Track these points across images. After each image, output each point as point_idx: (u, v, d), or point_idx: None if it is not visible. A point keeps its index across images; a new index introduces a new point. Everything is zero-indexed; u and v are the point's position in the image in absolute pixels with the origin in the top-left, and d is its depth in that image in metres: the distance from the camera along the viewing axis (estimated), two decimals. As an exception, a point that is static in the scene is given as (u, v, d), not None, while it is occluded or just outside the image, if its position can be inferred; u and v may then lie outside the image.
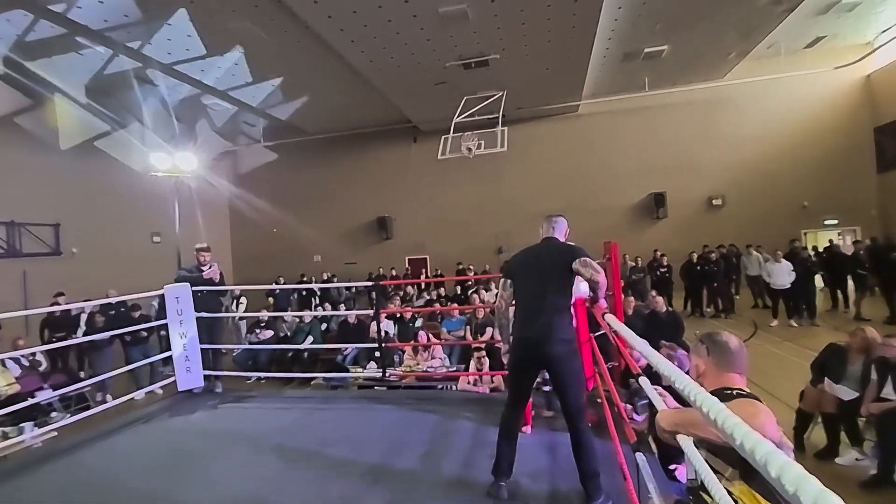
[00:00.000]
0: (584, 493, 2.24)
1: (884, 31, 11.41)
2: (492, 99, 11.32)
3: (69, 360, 7.66)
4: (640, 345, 1.84)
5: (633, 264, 10.89)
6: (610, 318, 2.62)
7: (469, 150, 10.24)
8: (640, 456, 1.96)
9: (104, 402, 5.10)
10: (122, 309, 7.21)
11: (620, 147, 14.08)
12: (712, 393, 1.17)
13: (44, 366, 6.54)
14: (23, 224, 10.22)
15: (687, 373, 2.30)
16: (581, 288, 2.84)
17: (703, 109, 13.48)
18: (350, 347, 6.12)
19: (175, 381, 4.39)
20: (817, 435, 3.96)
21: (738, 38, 10.62)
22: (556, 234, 2.71)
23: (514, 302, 2.62)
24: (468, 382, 4.58)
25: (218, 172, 15.60)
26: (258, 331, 7.32)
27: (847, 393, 3.63)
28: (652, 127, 13.88)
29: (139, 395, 4.78)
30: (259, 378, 6.61)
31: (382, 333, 4.96)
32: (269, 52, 9.70)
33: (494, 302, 2.80)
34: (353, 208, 15.76)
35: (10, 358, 5.91)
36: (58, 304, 7.67)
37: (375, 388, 5.04)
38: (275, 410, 4.13)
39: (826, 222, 12.74)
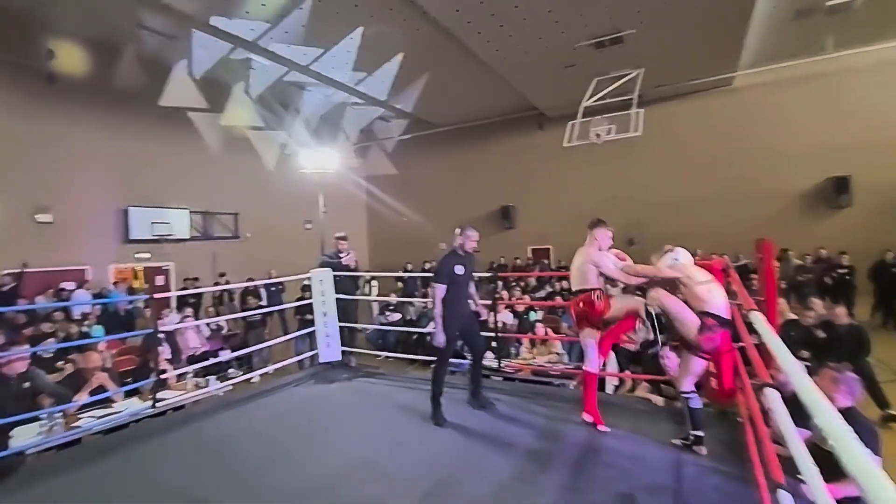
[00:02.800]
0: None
1: None
2: (627, 78, 10.41)
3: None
4: (785, 359, 1.56)
5: (800, 262, 9.20)
6: (759, 321, 2.28)
7: (598, 136, 9.63)
8: (782, 494, 1.68)
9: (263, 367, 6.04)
10: (281, 287, 8.44)
11: (789, 123, 11.89)
12: None
13: (225, 330, 8.00)
14: (213, 213, 12.55)
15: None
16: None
17: (912, 70, 10.66)
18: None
19: (317, 354, 5.04)
20: None
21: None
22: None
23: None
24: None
25: (357, 165, 17.18)
26: (388, 313, 7.96)
27: None
28: (833, 97, 11.42)
29: (292, 362, 5.56)
30: (387, 357, 7.19)
31: (500, 324, 5.02)
32: (398, 48, 10.23)
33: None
34: (478, 197, 16.01)
35: (205, 323, 7.39)
36: (219, 282, 9.29)
37: (492, 377, 5.12)
38: (399, 388, 4.48)
39: None
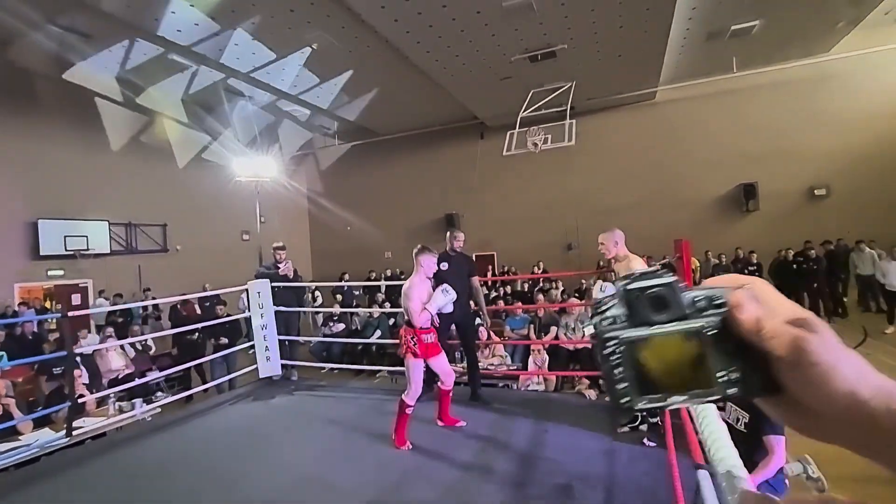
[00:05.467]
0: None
1: None
2: (560, 91, 10.98)
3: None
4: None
5: (717, 262, 10.06)
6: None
7: (535, 145, 10.04)
8: (702, 473, 1.82)
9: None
10: (216, 301, 7.98)
11: (704, 135, 13.03)
12: None
13: (153, 350, 7.45)
14: (138, 225, 11.68)
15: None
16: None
17: (804, 89, 12.06)
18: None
19: (257, 369, 4.82)
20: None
21: (848, 4, 9.36)
22: None
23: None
24: (535, 381, 4.54)
25: (297, 173, 16.72)
26: (331, 324, 7.77)
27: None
28: (741, 111, 12.68)
29: (226, 379, 5.29)
30: (332, 369, 7.02)
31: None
32: (341, 58, 10.16)
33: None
34: (422, 206, 16.08)
35: (129, 343, 6.83)
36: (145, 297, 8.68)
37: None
38: (343, 400, 4.39)
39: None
